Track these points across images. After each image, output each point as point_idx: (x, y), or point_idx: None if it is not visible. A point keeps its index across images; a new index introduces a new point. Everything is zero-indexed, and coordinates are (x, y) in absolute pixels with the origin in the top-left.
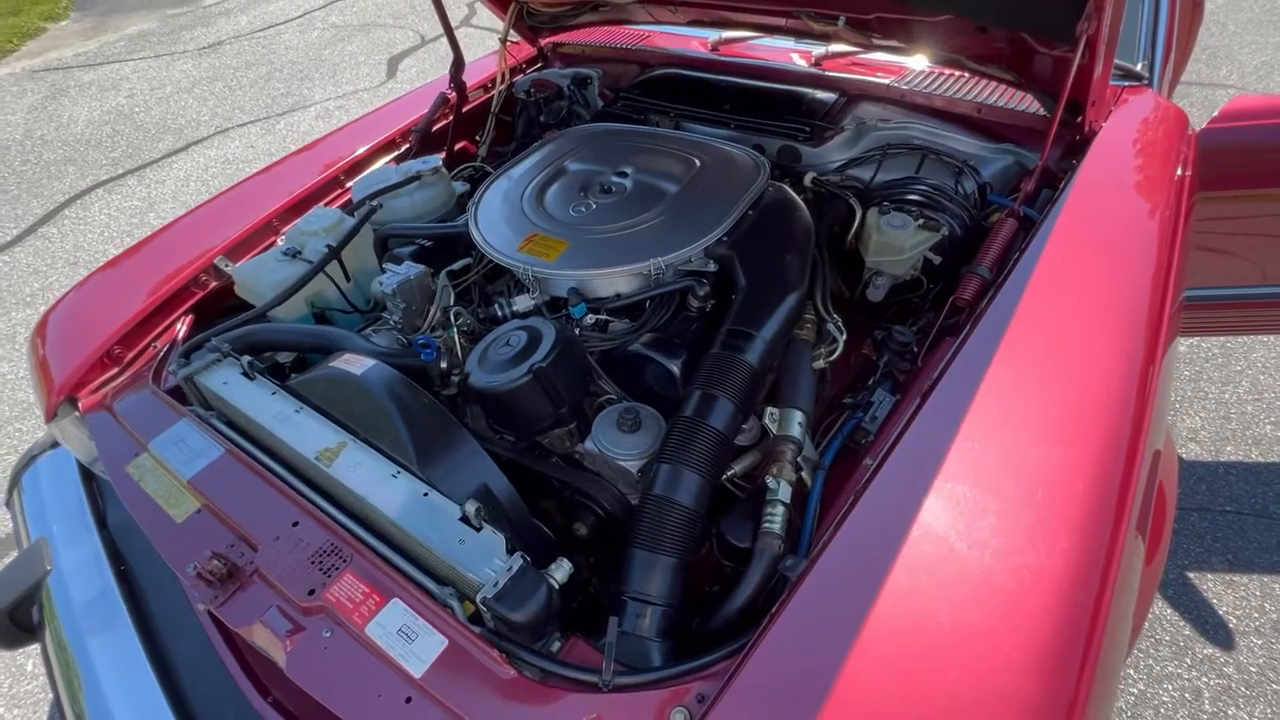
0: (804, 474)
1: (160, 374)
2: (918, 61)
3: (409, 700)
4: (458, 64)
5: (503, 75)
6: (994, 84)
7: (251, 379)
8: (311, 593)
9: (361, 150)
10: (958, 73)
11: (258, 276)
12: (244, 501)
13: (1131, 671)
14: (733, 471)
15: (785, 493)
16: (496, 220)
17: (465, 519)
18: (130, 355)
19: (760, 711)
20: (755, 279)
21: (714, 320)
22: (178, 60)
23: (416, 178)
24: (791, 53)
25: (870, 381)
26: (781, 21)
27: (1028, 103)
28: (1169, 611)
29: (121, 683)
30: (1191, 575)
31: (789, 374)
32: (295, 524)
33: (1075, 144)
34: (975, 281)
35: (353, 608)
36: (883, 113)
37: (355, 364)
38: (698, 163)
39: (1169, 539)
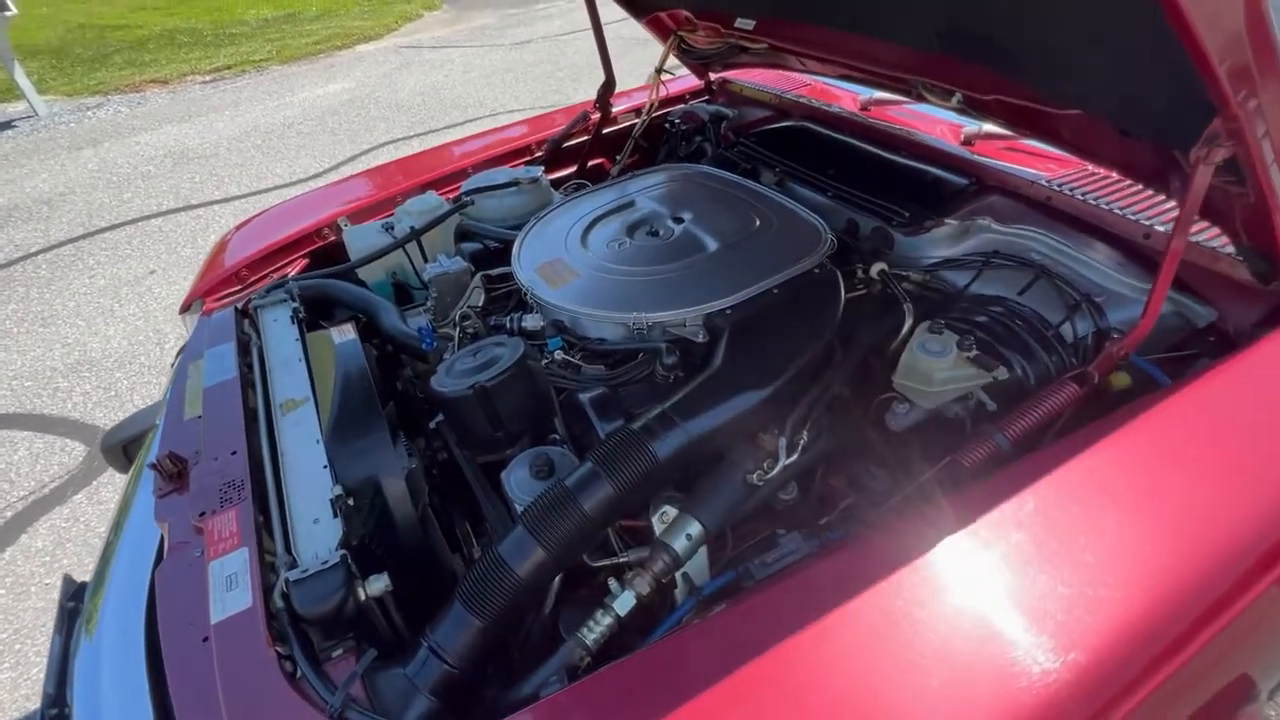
0: (677, 592)
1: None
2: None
3: (205, 640)
4: (607, 84)
5: (652, 104)
6: None
7: (292, 323)
8: (201, 515)
9: (496, 151)
10: (1141, 186)
11: (357, 240)
12: (218, 420)
13: None
14: (624, 559)
15: (624, 604)
16: (543, 237)
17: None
18: (251, 279)
19: None
20: (729, 364)
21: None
22: (493, 51)
23: (515, 183)
24: (941, 124)
25: (825, 520)
26: (908, 90)
27: (1224, 241)
28: None
29: (140, 522)
30: None
31: (711, 478)
32: (233, 453)
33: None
34: (985, 448)
35: (215, 541)
36: (1012, 211)
37: (343, 334)
38: (758, 224)
39: None
